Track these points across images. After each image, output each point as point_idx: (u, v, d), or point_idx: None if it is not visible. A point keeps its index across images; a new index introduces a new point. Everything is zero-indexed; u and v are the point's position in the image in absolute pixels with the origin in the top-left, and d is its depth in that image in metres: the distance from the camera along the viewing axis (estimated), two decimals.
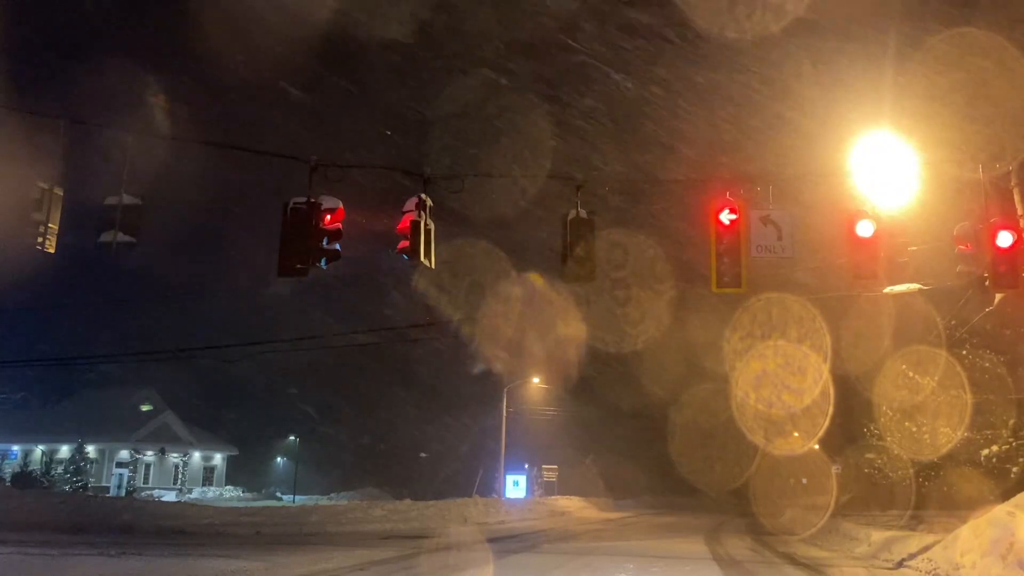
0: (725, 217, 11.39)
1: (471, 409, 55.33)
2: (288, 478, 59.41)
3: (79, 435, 45.29)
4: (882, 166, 11.60)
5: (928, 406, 24.33)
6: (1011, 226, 11.09)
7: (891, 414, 26.96)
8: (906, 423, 25.80)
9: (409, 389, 59.65)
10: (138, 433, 49.82)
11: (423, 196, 11.34)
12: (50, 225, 10.59)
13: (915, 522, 22.41)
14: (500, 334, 44.44)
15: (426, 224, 11.24)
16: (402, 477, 57.29)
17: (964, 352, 22.99)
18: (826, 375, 34.73)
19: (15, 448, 49.60)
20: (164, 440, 51.59)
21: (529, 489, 52.45)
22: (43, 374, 53.95)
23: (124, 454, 49.75)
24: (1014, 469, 22.32)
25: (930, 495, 26.24)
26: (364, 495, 51.67)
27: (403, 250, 11.25)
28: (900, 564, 16.01)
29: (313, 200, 11.19)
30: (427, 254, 11.27)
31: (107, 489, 46.37)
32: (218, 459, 57.58)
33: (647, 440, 66.31)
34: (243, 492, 55.77)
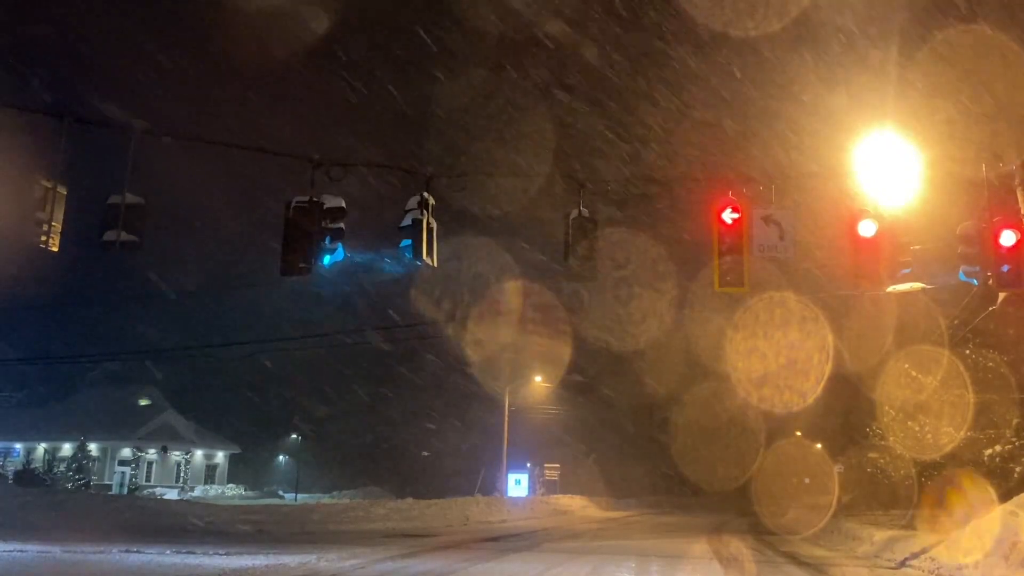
0: (728, 216, 11.36)
1: (473, 408, 55.31)
2: (290, 476, 59.43)
3: (81, 433, 45.37)
4: (885, 165, 11.56)
5: (931, 406, 24.25)
6: (1014, 225, 11.03)
7: (893, 414, 26.88)
8: (908, 423, 25.72)
9: (411, 387, 59.62)
10: (140, 431, 49.84)
11: (425, 195, 11.33)
12: (53, 224, 10.58)
13: (917, 522, 22.37)
14: (503, 332, 44.52)
15: (428, 223, 11.23)
16: (404, 476, 57.28)
17: (967, 351, 22.90)
18: (828, 374, 34.72)
19: (18, 446, 49.69)
20: (166, 438, 51.61)
21: (531, 488, 52.46)
22: (46, 372, 54.13)
23: (126, 452, 49.81)
24: (1017, 469, 22.24)
25: (932, 495, 26.18)
26: (366, 494, 51.73)
27: (405, 249, 11.25)
28: (902, 564, 15.99)
29: (315, 199, 11.18)
30: (429, 253, 11.27)
31: (109, 487, 46.41)
32: (220, 457, 57.61)
33: (649, 439, 66.35)
34: (245, 490, 55.84)
